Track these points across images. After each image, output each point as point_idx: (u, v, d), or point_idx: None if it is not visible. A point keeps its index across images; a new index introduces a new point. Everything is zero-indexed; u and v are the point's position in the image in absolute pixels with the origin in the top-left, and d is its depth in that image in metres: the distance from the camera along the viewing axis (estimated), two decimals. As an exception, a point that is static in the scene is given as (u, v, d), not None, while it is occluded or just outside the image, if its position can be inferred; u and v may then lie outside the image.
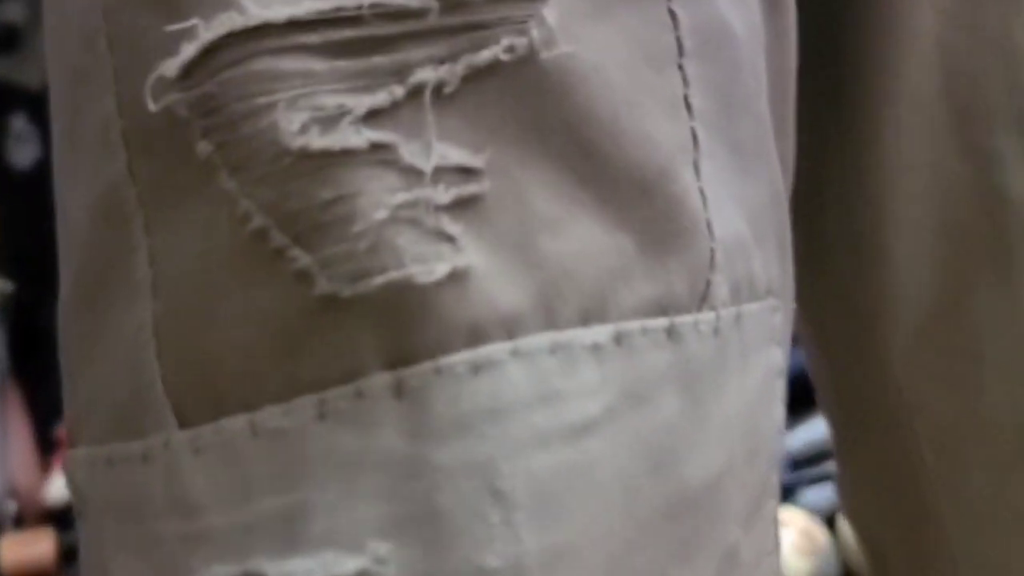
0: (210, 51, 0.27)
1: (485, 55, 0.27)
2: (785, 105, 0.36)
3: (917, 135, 0.40)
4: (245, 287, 0.26)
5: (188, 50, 0.27)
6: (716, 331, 0.30)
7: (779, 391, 0.33)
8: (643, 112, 0.29)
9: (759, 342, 0.32)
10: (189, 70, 0.27)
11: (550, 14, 0.27)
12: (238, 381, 0.27)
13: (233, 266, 0.27)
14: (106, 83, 0.29)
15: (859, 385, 0.45)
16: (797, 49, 0.37)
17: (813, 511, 1.16)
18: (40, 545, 1.25)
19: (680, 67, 0.30)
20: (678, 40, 0.30)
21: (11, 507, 1.37)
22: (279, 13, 0.26)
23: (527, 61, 0.27)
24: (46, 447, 1.57)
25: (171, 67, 0.27)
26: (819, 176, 0.43)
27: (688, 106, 0.30)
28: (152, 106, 0.27)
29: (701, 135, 0.30)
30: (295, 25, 0.26)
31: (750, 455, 0.31)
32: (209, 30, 0.26)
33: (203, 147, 0.27)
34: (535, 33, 0.27)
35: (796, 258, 0.44)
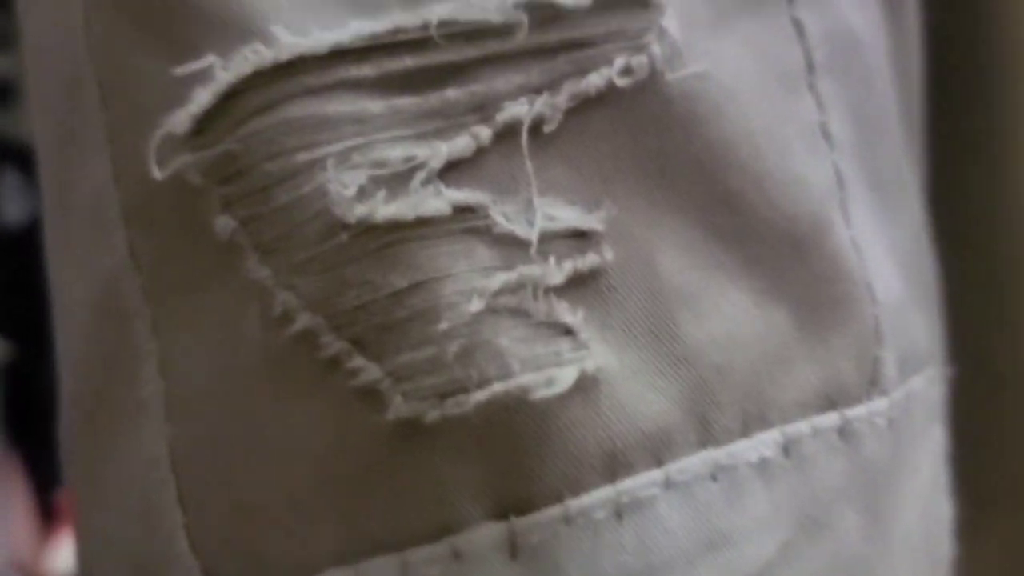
0: (231, 96, 0.20)
1: (594, 80, 0.20)
2: (910, 118, 0.29)
3: None
4: (288, 411, 0.20)
5: (202, 97, 0.20)
6: (891, 422, 0.23)
7: (946, 482, 0.27)
8: (786, 146, 0.22)
9: (925, 423, 0.25)
10: (204, 123, 0.20)
11: (671, 23, 0.21)
12: (286, 538, 0.20)
13: (270, 382, 0.20)
14: (98, 144, 0.22)
15: (989, 456, 0.38)
16: (922, 51, 0.31)
17: None
18: (47, 624, 1.18)
19: (812, 87, 0.24)
20: (807, 54, 0.24)
21: (16, 581, 1.30)
22: (320, 41, 0.20)
23: (647, 86, 0.21)
24: (47, 514, 1.50)
25: (180, 120, 0.20)
26: (949, 198, 0.36)
27: (827, 135, 0.24)
28: (157, 173, 0.20)
29: (846, 172, 0.24)
30: (341, 55, 0.20)
31: (932, 573, 0.25)
32: (229, 69, 0.20)
33: (224, 223, 0.20)
34: (656, 49, 0.21)
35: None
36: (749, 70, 0.22)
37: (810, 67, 0.24)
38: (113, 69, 0.22)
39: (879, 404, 0.23)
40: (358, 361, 0.19)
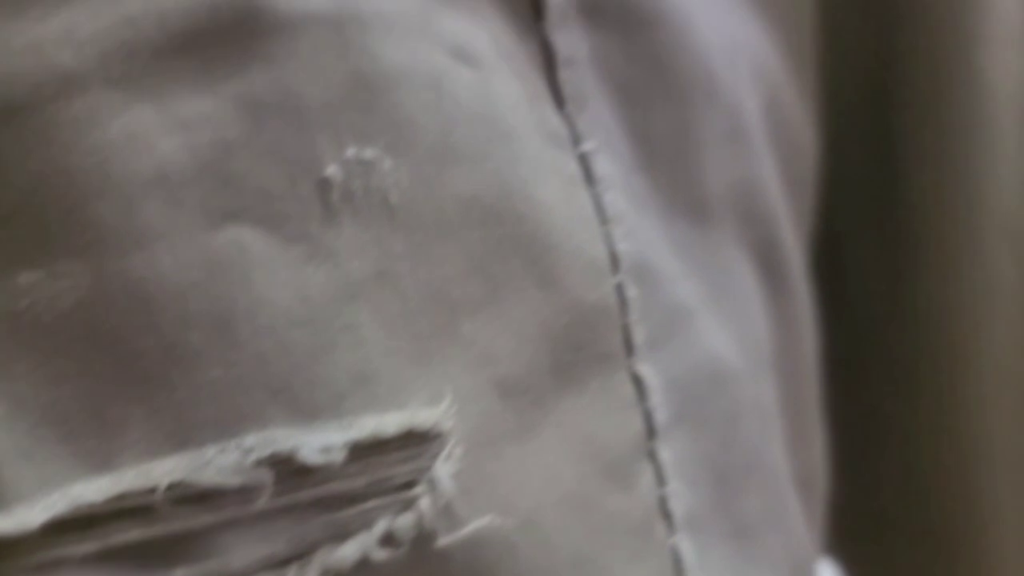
0: None
1: (350, 550, 0.17)
2: (802, 405, 0.26)
3: (1011, 414, 0.29)
4: None
5: None
6: None
7: None
8: (604, 566, 0.19)
9: None
10: None
11: (446, 468, 0.18)
12: None
13: None
14: None
15: None
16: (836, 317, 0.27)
17: None
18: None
19: (651, 456, 0.20)
20: (647, 416, 0.20)
21: None
22: (29, 520, 0.17)
23: (417, 551, 0.18)
24: None
25: None
26: (893, 445, 0.32)
27: (667, 514, 0.21)
28: None
29: (685, 550, 0.21)
30: (59, 528, 0.17)
31: None
32: None
33: None
34: (425, 505, 0.18)
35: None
36: (563, 477, 0.19)
37: (651, 432, 0.20)
38: None
39: None
40: None
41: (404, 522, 0.18)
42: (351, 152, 0.18)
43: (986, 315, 0.29)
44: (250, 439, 0.17)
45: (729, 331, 0.23)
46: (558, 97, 0.21)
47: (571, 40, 0.22)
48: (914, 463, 0.31)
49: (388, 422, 0.18)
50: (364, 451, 0.18)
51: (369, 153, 0.19)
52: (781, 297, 0.25)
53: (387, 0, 0.19)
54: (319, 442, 0.17)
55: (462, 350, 0.19)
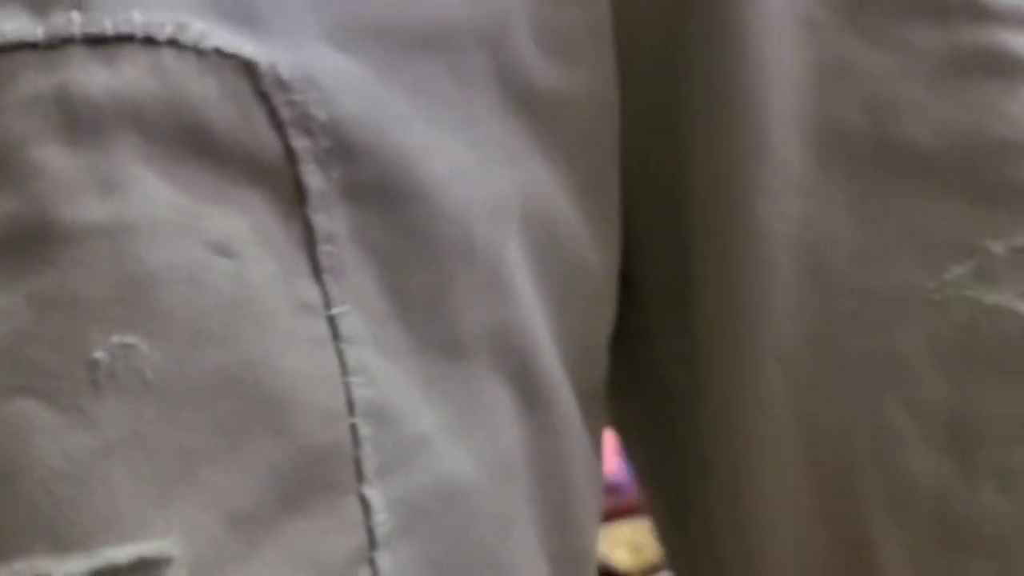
0: None
1: None
2: (565, 495, 0.30)
3: (780, 507, 0.33)
4: None
5: None
6: None
7: None
8: None
9: None
10: None
11: None
12: None
13: None
14: None
15: None
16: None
17: None
18: None
19: (371, 563, 0.25)
20: (370, 532, 0.25)
21: None
22: None
23: None
24: None
25: None
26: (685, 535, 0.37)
27: None
28: None
29: None
30: None
31: None
32: None
33: None
34: None
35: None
36: None
37: (372, 544, 0.25)
38: None
39: None
40: None
41: None
42: (115, 339, 0.24)
43: (763, 428, 0.33)
44: (18, 565, 0.23)
45: (469, 450, 0.27)
46: (316, 268, 0.26)
47: (332, 219, 0.26)
48: (711, 549, 0.36)
49: (123, 553, 0.23)
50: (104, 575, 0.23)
51: (130, 339, 0.24)
52: (538, 410, 0.29)
53: (156, 208, 0.24)
54: (67, 569, 0.23)
55: (198, 491, 0.24)
